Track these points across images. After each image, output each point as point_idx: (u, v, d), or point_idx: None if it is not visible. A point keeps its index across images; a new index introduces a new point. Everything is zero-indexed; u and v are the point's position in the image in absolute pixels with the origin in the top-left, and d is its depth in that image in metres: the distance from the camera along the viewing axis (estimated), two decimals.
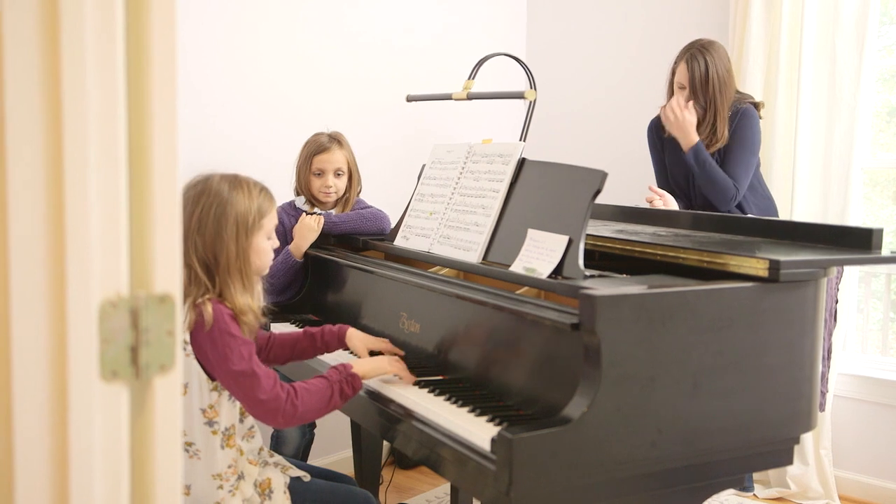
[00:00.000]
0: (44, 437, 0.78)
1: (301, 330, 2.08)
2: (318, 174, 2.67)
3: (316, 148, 2.67)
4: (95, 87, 0.77)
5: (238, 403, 1.77)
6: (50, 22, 0.75)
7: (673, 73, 2.87)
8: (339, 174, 2.68)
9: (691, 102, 2.76)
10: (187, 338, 1.68)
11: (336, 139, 2.70)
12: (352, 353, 2.08)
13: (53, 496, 0.79)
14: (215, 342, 1.65)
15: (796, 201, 3.19)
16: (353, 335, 2.03)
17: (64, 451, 0.79)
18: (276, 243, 1.84)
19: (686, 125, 2.75)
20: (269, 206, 1.78)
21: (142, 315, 0.83)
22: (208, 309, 1.65)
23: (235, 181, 1.75)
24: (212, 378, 1.72)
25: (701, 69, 2.75)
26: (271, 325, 2.50)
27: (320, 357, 2.14)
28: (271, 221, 1.79)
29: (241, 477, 1.78)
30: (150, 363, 0.83)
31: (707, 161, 2.75)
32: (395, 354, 2.00)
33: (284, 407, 1.67)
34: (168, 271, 0.86)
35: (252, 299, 1.74)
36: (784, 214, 3.13)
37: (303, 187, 2.70)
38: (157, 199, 0.84)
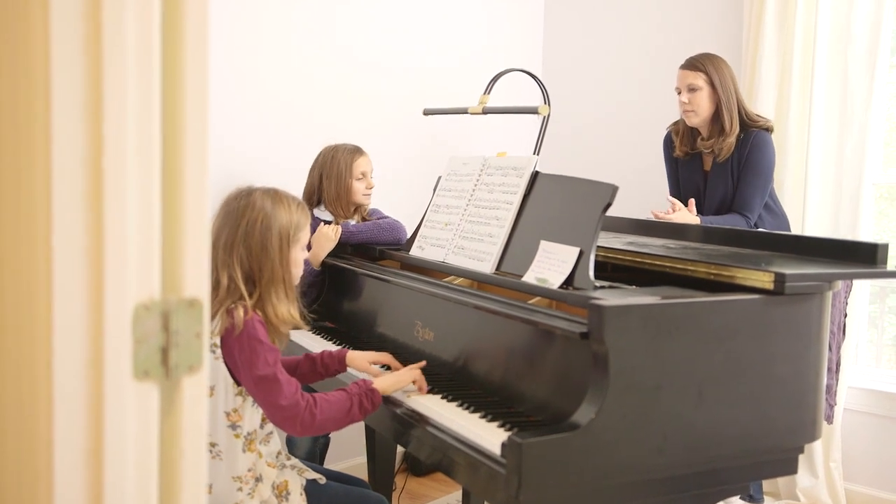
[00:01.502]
0: (81, 431, 0.83)
1: (302, 355, 2.12)
2: (361, 178, 2.78)
3: (353, 154, 2.78)
4: (133, 104, 0.83)
5: (261, 410, 1.82)
6: (93, 42, 0.81)
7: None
8: (372, 173, 2.83)
9: (680, 207, 2.79)
10: (218, 341, 1.74)
11: (357, 146, 2.82)
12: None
13: (89, 488, 0.84)
14: (243, 346, 1.72)
15: (808, 216, 3.22)
16: (355, 357, 2.07)
17: (99, 446, 0.84)
18: (307, 254, 1.91)
19: (682, 218, 2.73)
20: (305, 221, 1.88)
21: (172, 318, 0.88)
22: (239, 314, 1.72)
23: (276, 196, 1.84)
24: (238, 382, 1.78)
25: (693, 60, 2.89)
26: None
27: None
28: (306, 235, 1.89)
29: (259, 479, 1.83)
30: (179, 364, 0.88)
31: (713, 226, 2.77)
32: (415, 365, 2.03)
33: (303, 416, 1.72)
34: (197, 277, 0.91)
35: (293, 308, 1.83)
36: (796, 229, 3.16)
37: (343, 195, 2.76)
38: (187, 210, 0.89)
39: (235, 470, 1.79)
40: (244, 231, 1.78)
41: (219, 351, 1.76)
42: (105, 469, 0.84)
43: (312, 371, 2.09)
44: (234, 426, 1.79)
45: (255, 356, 1.71)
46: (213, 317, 1.74)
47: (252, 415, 1.81)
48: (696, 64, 2.88)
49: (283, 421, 1.74)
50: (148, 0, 0.83)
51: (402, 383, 1.90)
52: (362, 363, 2.05)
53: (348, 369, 2.09)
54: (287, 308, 1.81)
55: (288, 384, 1.73)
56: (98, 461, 0.84)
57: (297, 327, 1.88)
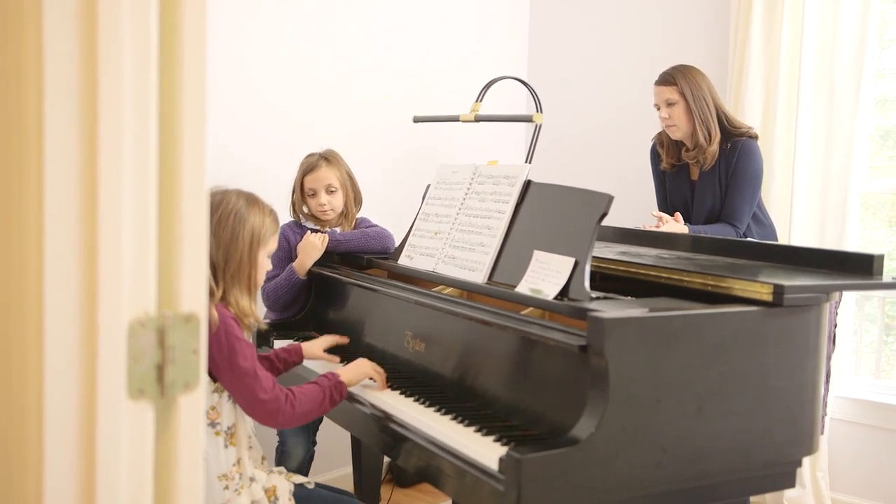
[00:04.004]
0: (72, 453, 0.80)
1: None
2: (311, 194, 2.69)
3: (305, 168, 2.70)
4: (129, 117, 0.79)
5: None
6: (88, 52, 0.77)
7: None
8: (331, 191, 2.69)
9: (671, 218, 2.78)
10: None
11: (324, 157, 2.71)
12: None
13: None
14: (221, 343, 1.73)
15: (794, 226, 3.22)
16: (309, 347, 2.21)
17: (91, 468, 0.81)
18: (270, 266, 1.95)
19: (671, 230, 2.70)
20: (275, 228, 1.92)
21: (168, 334, 0.84)
22: (213, 312, 1.73)
23: (252, 198, 1.88)
24: (214, 379, 1.78)
25: (665, 75, 2.88)
26: (275, 342, 2.52)
27: (306, 364, 2.27)
28: (274, 243, 1.93)
29: (253, 479, 1.83)
30: (175, 381, 0.85)
31: (705, 236, 2.75)
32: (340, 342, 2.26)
33: (284, 407, 1.78)
34: (194, 292, 0.87)
35: (253, 304, 1.86)
36: (782, 239, 3.16)
37: (299, 209, 2.73)
38: (184, 223, 0.86)
39: (220, 468, 1.79)
40: (216, 222, 1.81)
41: None
42: (97, 492, 0.81)
43: (271, 368, 2.14)
44: (213, 424, 1.79)
45: (234, 353, 1.74)
46: None
47: (230, 409, 1.82)
48: (668, 78, 2.87)
49: (265, 415, 1.79)
50: (144, 5, 0.80)
51: (365, 374, 1.99)
52: (317, 352, 2.21)
53: (304, 361, 2.22)
54: (248, 302, 1.84)
55: (266, 379, 1.78)
56: (90, 483, 0.81)
57: (257, 324, 1.93)
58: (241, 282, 1.82)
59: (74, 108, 0.77)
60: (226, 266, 1.80)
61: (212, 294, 1.77)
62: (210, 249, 1.79)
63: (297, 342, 2.25)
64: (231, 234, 1.81)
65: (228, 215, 1.81)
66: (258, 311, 1.88)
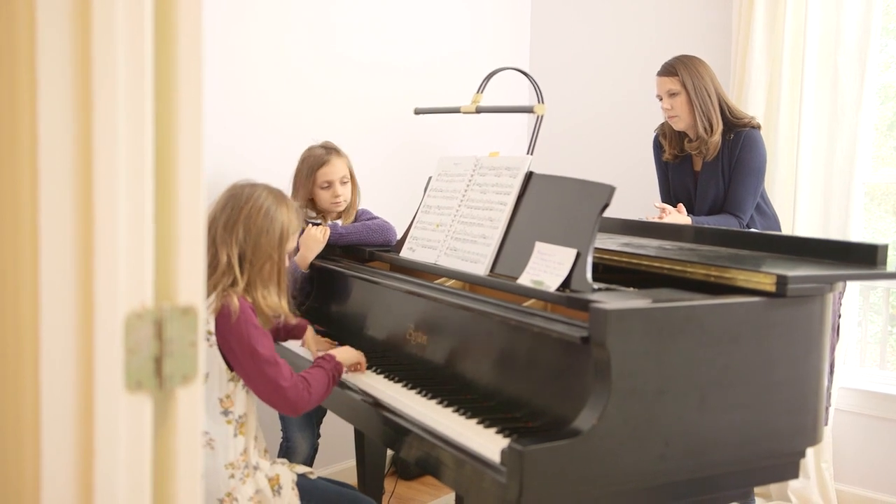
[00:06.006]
0: (70, 446, 0.79)
1: None
2: (326, 187, 2.68)
3: (317, 162, 2.68)
4: (125, 106, 0.79)
5: (252, 393, 1.85)
6: (82, 45, 0.76)
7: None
8: (344, 182, 2.71)
9: (674, 209, 2.76)
10: (211, 327, 1.77)
11: (333, 149, 2.72)
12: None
13: None
14: (241, 332, 1.76)
15: (798, 216, 3.20)
16: (309, 335, 2.29)
17: (90, 461, 0.80)
18: (287, 262, 1.97)
19: (674, 221, 2.70)
20: (298, 226, 1.96)
21: (166, 326, 0.84)
22: (234, 301, 1.76)
23: (281, 195, 1.93)
24: (231, 368, 1.80)
25: (667, 65, 2.86)
26: None
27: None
28: (295, 240, 1.96)
29: (257, 467, 1.85)
30: (173, 374, 0.84)
31: (708, 226, 2.73)
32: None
33: (302, 394, 1.82)
34: (191, 283, 0.87)
35: (283, 299, 1.90)
36: (786, 229, 3.15)
37: (306, 203, 2.71)
38: (181, 213, 0.85)
39: (228, 457, 1.81)
40: (247, 214, 1.84)
41: (213, 338, 1.78)
42: (96, 485, 0.81)
43: (274, 331, 2.16)
44: (226, 412, 1.81)
45: (255, 342, 1.77)
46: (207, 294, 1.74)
47: (243, 399, 1.84)
48: (670, 69, 2.85)
49: (285, 402, 1.81)
50: (139, 2, 0.79)
51: (354, 358, 2.06)
52: (311, 345, 2.27)
53: (298, 347, 2.32)
54: (276, 297, 1.88)
55: (285, 366, 1.80)
56: (89, 476, 0.81)
57: (286, 318, 1.99)
58: (270, 279, 1.85)
59: (69, 100, 0.77)
60: (254, 258, 1.83)
61: (235, 284, 1.80)
62: (238, 239, 1.82)
63: (305, 320, 2.31)
64: (261, 226, 1.84)
65: (259, 210, 1.85)
66: (285, 303, 1.91)
